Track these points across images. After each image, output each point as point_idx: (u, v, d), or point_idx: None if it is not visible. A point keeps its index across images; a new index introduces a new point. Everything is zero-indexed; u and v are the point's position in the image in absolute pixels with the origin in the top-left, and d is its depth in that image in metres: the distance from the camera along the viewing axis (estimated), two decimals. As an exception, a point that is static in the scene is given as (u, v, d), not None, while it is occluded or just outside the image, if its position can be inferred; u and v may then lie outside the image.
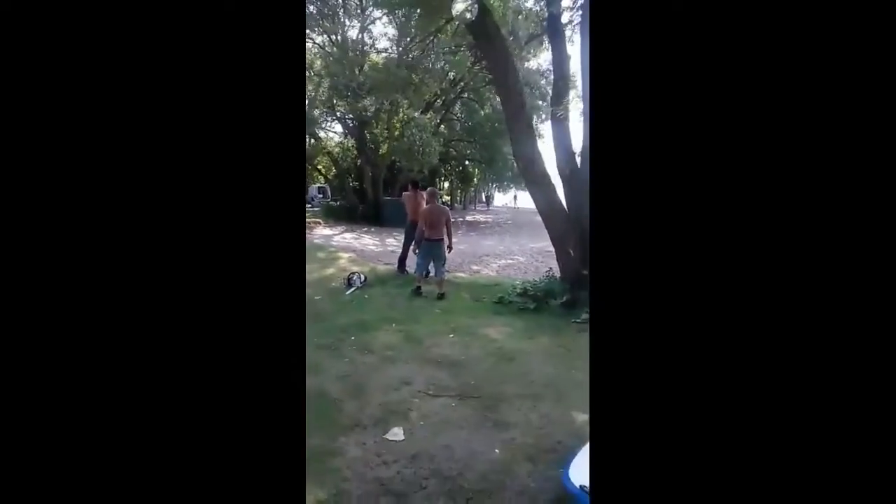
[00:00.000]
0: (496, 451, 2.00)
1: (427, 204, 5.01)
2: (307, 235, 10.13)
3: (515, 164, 16.02)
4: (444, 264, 5.03)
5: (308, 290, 4.98)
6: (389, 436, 2.11)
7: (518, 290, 4.72)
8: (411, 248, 5.42)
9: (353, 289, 5.02)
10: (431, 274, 5.10)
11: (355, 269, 5.81)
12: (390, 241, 9.75)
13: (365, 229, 12.09)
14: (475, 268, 7.13)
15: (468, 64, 9.32)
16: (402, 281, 5.52)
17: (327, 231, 11.16)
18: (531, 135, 4.55)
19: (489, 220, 18.66)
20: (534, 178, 4.64)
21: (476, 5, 3.70)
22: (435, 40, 7.47)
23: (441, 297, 4.73)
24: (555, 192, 4.63)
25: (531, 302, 4.44)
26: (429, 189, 5.32)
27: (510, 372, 2.86)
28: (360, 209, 13.95)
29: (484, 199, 29.24)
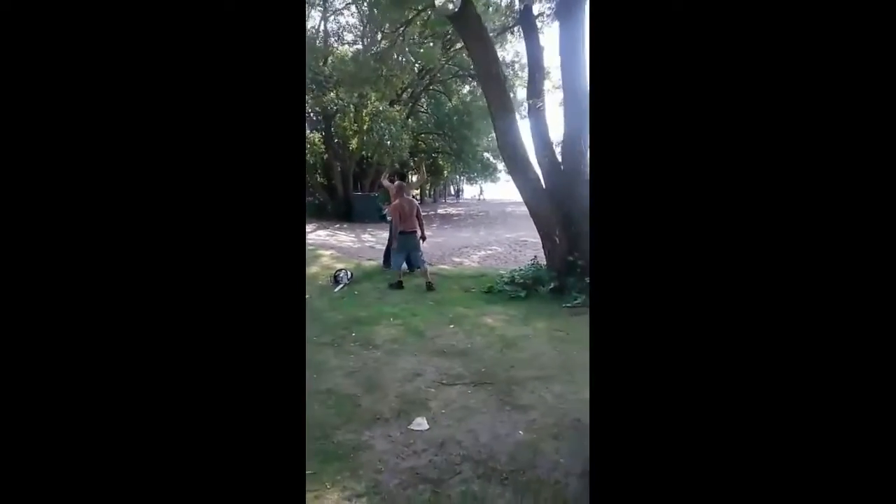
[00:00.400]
0: (520, 432, 2.06)
1: (395, 198, 5.04)
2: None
3: (485, 156, 16.41)
4: (421, 255, 5.09)
5: (295, 290, 4.87)
6: (414, 426, 2.13)
7: (506, 279, 4.82)
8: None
9: (340, 286, 4.95)
10: (404, 268, 5.11)
11: (339, 266, 5.72)
12: (366, 236, 9.67)
13: (337, 226, 11.89)
14: (456, 259, 7.19)
15: (437, 55, 9.28)
16: (388, 276, 5.49)
17: (309, 229, 10.90)
18: (515, 124, 4.62)
19: (461, 212, 18.76)
20: (518, 167, 4.72)
21: (459, -4, 3.72)
22: (404, 31, 7.39)
23: (430, 286, 4.77)
24: (539, 180, 4.73)
25: (521, 290, 4.54)
26: (397, 183, 5.35)
27: (516, 357, 2.94)
28: (330, 206, 13.69)
29: (454, 192, 29.32)
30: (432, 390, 2.49)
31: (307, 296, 4.58)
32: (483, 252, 7.93)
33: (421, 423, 2.15)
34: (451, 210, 19.78)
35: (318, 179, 14.10)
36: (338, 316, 3.87)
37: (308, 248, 7.52)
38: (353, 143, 12.54)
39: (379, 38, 9.65)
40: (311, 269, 5.84)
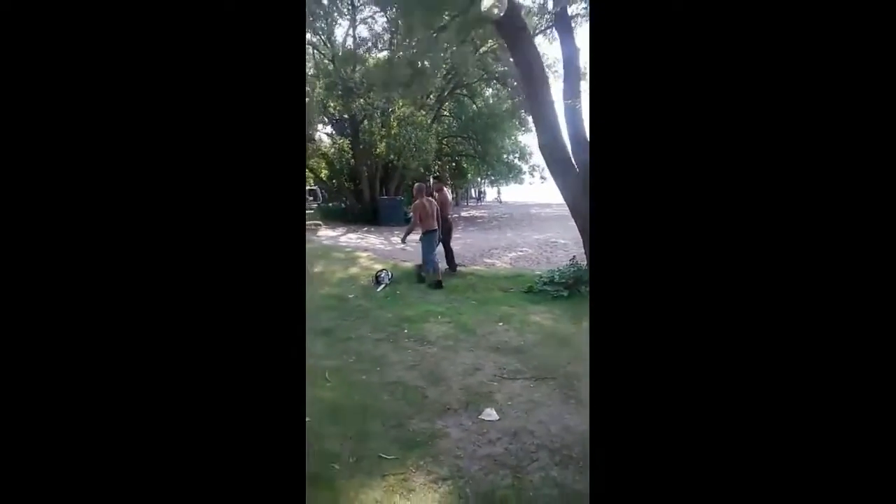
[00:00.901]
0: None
1: (416, 200, 5.28)
2: (313, 237, 10.11)
3: (509, 158, 16.41)
4: (435, 254, 5.23)
5: (339, 290, 5.02)
6: (484, 416, 2.19)
7: (545, 280, 4.84)
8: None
9: (382, 286, 5.06)
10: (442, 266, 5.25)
11: (378, 266, 5.85)
12: (395, 239, 9.80)
13: (365, 229, 12.11)
14: (488, 261, 7.23)
15: (469, 58, 9.40)
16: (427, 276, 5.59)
17: (330, 232, 11.15)
18: (557, 124, 4.66)
19: (485, 215, 18.83)
20: (559, 168, 4.76)
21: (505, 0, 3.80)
22: (436, 36, 7.51)
23: (439, 284, 4.94)
24: (579, 180, 4.75)
25: (563, 289, 4.57)
26: (416, 185, 5.57)
27: (571, 354, 2.97)
28: (358, 209, 13.95)
29: (476, 195, 29.37)
30: (495, 384, 2.55)
31: (350, 295, 4.72)
32: (513, 253, 7.96)
33: (491, 414, 2.21)
34: (475, 213, 19.87)
35: (346, 184, 14.40)
36: (386, 314, 3.98)
37: (346, 250, 7.70)
38: (381, 146, 12.78)
39: (412, 44, 9.86)
40: (352, 270, 5.99)
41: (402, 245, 5.37)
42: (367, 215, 13.48)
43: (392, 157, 12.71)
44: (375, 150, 13.02)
